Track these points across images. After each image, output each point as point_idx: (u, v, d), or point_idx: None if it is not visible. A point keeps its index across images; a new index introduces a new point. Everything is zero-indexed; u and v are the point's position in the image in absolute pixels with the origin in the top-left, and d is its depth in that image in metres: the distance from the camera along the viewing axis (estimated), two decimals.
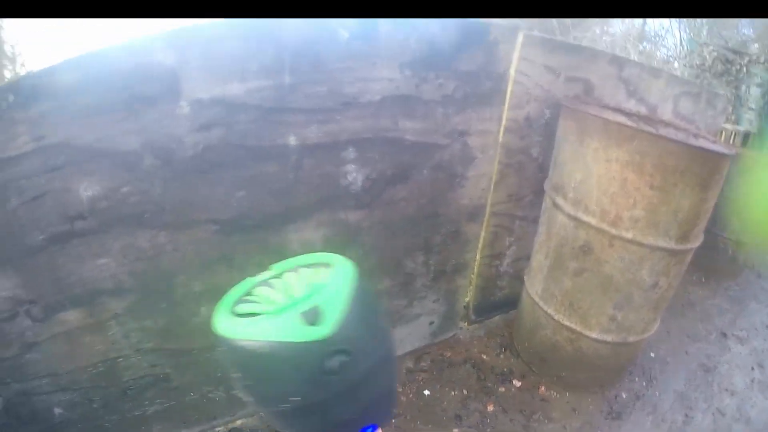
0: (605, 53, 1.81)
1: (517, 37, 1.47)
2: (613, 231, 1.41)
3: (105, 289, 1.31)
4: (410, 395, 1.61)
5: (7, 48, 2.92)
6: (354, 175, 1.34)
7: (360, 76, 1.22)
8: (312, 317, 0.83)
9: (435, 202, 1.56)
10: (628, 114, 1.78)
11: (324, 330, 0.83)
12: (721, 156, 1.35)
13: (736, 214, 2.81)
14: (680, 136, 1.56)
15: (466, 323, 1.98)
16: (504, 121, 1.59)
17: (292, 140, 1.22)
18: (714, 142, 1.61)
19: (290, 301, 0.91)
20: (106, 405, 1.47)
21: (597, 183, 1.41)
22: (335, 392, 0.89)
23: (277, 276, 1.09)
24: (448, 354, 1.78)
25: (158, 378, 1.48)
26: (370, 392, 0.96)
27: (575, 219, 1.48)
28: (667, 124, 1.75)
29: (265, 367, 0.87)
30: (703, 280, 2.93)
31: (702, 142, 1.49)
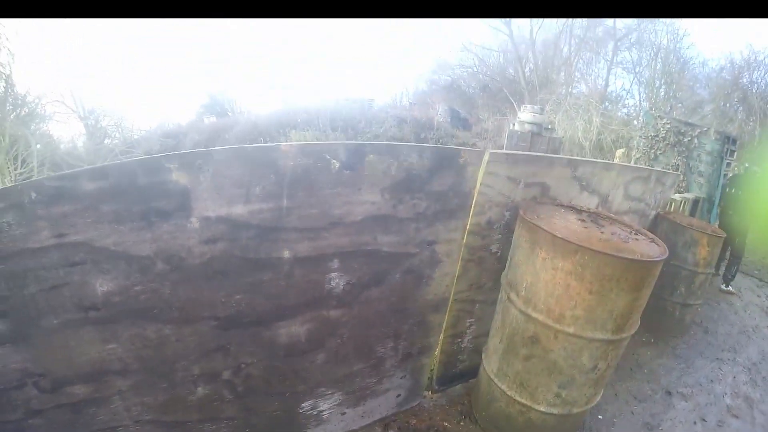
0: (561, 159, 2.08)
1: (484, 156, 1.71)
2: (557, 326, 1.66)
3: (112, 369, 1.47)
4: None
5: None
6: (337, 281, 1.54)
7: (347, 200, 1.44)
8: None
9: (405, 299, 1.78)
10: (578, 210, 2.05)
11: None
12: (651, 263, 1.61)
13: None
14: (622, 236, 1.83)
15: (430, 392, 2.18)
16: (468, 227, 1.82)
17: (286, 254, 1.42)
18: (652, 240, 1.86)
19: None
20: None
21: (544, 286, 1.65)
22: None
23: None
24: (413, 422, 1.95)
25: None
26: None
27: (525, 314, 1.72)
28: (613, 221, 2.02)
29: None
30: (652, 340, 3.07)
31: (638, 245, 1.74)
